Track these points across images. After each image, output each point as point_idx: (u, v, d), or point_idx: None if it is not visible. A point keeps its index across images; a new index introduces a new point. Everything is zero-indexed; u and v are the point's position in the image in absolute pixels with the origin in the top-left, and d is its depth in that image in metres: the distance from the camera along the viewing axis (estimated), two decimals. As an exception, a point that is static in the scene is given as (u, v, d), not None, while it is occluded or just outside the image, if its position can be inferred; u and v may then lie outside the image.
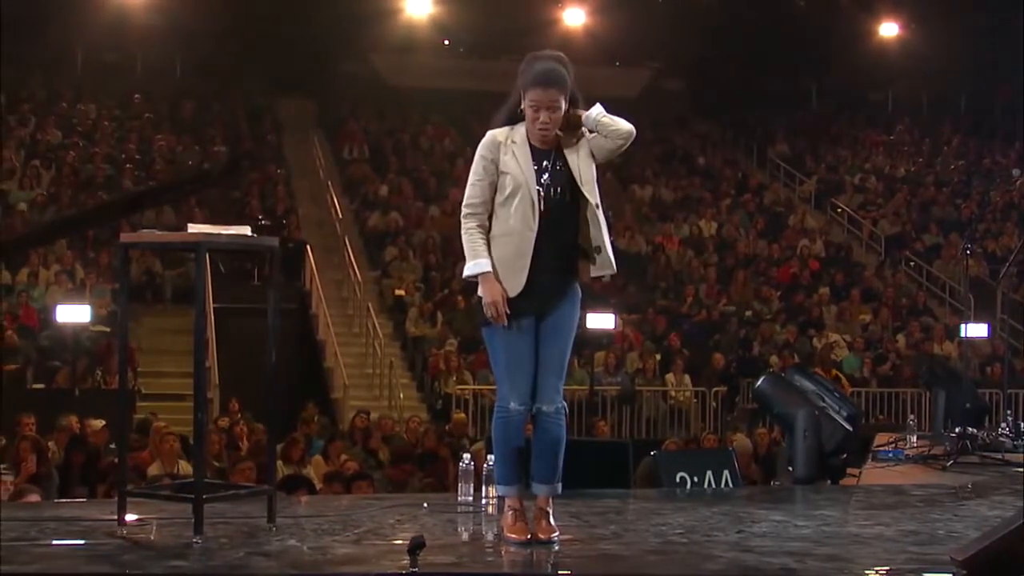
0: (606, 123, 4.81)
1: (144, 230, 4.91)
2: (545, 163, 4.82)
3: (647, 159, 23.38)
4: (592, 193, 4.83)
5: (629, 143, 4.86)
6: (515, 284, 4.77)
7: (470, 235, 4.84)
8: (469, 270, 4.83)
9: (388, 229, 19.82)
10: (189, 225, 4.80)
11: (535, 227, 4.76)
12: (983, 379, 16.08)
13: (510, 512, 4.89)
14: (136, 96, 23.15)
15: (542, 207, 4.77)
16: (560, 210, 4.81)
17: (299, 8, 22.30)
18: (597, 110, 4.83)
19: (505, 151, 4.82)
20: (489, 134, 4.87)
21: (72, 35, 22.50)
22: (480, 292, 4.82)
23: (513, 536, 4.82)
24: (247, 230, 4.87)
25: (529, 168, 4.79)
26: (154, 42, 22.90)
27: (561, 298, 4.87)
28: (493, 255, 4.80)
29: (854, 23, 24.74)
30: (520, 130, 4.84)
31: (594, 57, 22.99)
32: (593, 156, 4.86)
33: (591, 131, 4.84)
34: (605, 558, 4.72)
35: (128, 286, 5.38)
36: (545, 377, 4.85)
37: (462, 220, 4.87)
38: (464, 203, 4.89)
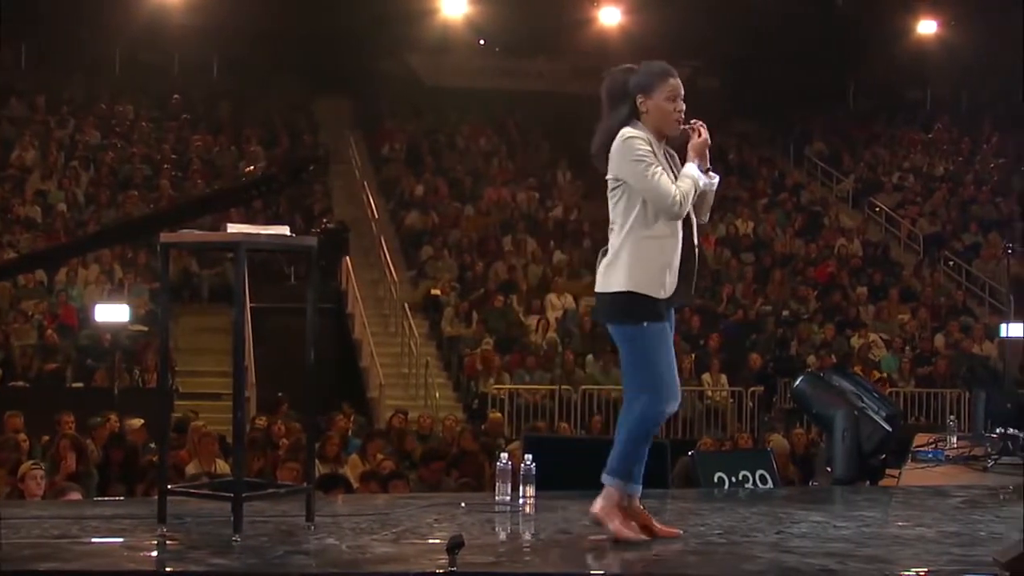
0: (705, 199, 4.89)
1: (183, 230, 4.92)
2: (675, 170, 4.84)
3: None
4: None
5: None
6: (669, 286, 4.77)
7: (678, 187, 4.73)
8: (702, 179, 4.80)
9: (424, 228, 19.86)
10: (228, 225, 4.81)
11: (682, 231, 4.80)
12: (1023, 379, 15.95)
13: (617, 509, 4.82)
14: (174, 96, 23.28)
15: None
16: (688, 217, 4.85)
17: (335, 8, 22.35)
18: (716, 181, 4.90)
19: (653, 147, 4.78)
20: (631, 130, 4.77)
21: (111, 36, 22.66)
22: (693, 154, 4.81)
23: (636, 536, 4.80)
24: (286, 230, 4.89)
25: (672, 172, 4.82)
26: (191, 42, 23.03)
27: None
28: (656, 256, 4.75)
29: (892, 21, 24.57)
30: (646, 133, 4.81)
31: (630, 56, 22.70)
32: None
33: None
34: (643, 558, 4.70)
35: (168, 286, 5.41)
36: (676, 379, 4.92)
37: (679, 203, 4.70)
38: (667, 198, 4.68)
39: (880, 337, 17.85)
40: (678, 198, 4.69)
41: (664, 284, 4.76)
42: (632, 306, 4.75)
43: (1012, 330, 13.65)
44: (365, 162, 22.41)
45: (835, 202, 23.36)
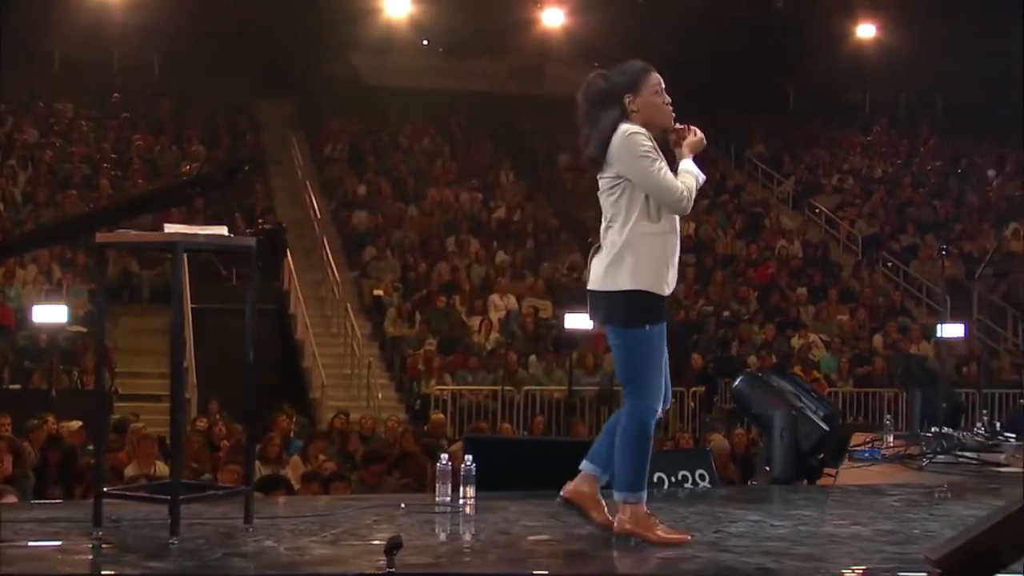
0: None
1: (120, 230, 4.88)
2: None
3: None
4: None
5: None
6: (673, 281, 4.81)
7: (684, 183, 4.76)
8: (701, 176, 4.84)
9: (367, 229, 19.80)
10: (165, 225, 4.78)
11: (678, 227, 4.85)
12: (959, 379, 16.17)
13: (651, 517, 4.81)
14: (114, 95, 23.06)
15: None
16: None
17: (278, 8, 22.24)
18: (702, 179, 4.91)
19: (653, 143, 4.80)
20: (631, 127, 4.74)
21: (50, 34, 22.40)
22: (689, 151, 4.86)
23: (680, 537, 4.82)
24: (224, 230, 4.86)
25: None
26: (132, 41, 22.81)
27: None
28: (662, 252, 4.75)
29: (831, 25, 24.83)
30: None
31: (573, 58, 23.01)
32: None
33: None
34: (582, 558, 4.72)
35: (105, 286, 5.36)
36: (668, 376, 4.95)
37: (687, 199, 4.73)
38: (675, 193, 4.70)
39: (820, 337, 18.01)
40: (686, 193, 4.73)
41: (668, 281, 4.78)
42: (639, 305, 4.73)
43: (948, 330, 13.83)
44: (307, 162, 22.32)
45: (776, 203, 23.55)
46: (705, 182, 4.94)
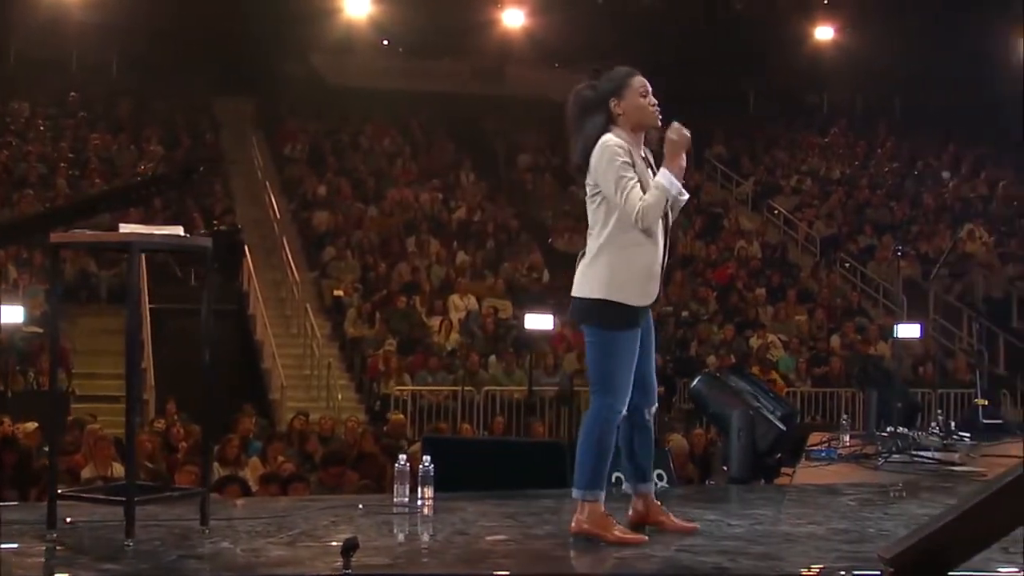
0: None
1: (76, 230, 4.85)
2: (653, 170, 4.89)
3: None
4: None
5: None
6: (651, 292, 4.82)
7: (644, 200, 4.71)
8: (674, 189, 4.78)
9: (327, 229, 19.74)
10: (121, 225, 4.76)
11: (661, 235, 4.84)
12: (915, 379, 16.27)
13: (608, 517, 4.85)
14: (71, 94, 22.88)
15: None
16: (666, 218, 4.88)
17: (238, 7, 22.14)
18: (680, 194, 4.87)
19: (632, 156, 4.81)
20: (611, 138, 4.78)
21: (5, 32, 22.20)
22: (670, 157, 4.81)
23: (636, 538, 4.84)
24: (179, 230, 4.84)
25: (650, 177, 4.86)
26: (90, 40, 22.66)
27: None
28: (636, 263, 4.77)
29: (790, 27, 25.00)
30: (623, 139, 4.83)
31: (533, 58, 23.04)
32: None
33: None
34: (540, 558, 4.73)
35: (60, 286, 5.33)
36: (652, 379, 4.99)
37: (641, 218, 4.71)
38: (630, 213, 4.70)
39: (778, 338, 18.09)
40: (640, 214, 4.71)
41: (645, 291, 4.81)
42: (609, 314, 4.76)
43: (904, 331, 13.94)
44: (267, 162, 22.22)
45: (735, 204, 23.64)
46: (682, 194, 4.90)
